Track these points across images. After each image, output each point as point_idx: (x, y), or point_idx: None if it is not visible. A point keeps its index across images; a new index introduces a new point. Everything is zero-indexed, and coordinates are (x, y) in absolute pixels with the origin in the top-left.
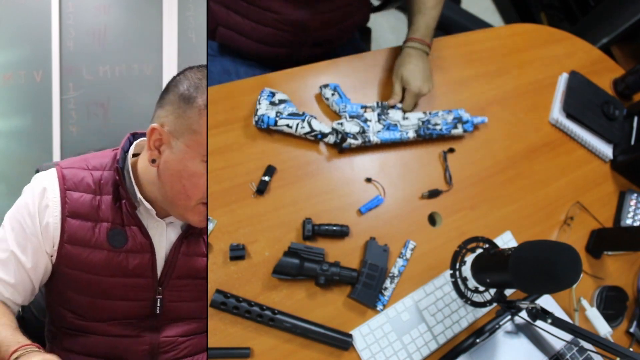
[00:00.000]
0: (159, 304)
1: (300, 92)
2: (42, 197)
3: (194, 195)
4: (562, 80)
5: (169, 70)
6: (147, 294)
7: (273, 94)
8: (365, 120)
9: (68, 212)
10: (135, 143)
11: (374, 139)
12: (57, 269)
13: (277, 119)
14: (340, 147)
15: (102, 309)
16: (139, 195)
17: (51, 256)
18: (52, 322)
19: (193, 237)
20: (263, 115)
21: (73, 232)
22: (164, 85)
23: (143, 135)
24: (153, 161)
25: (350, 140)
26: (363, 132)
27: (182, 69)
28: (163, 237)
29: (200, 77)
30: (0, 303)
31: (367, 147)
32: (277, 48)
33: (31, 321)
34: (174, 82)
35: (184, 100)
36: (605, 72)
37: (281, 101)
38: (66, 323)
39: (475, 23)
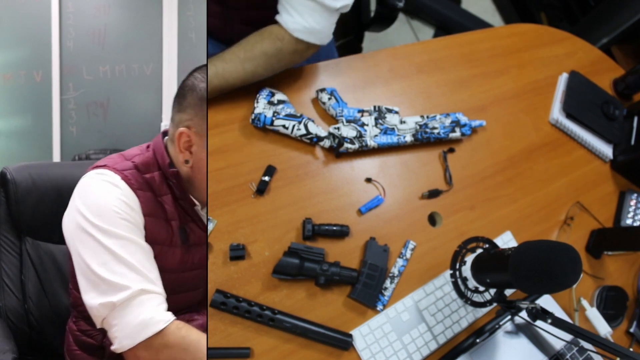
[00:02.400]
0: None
1: (300, 92)
2: (124, 195)
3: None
4: (562, 80)
5: (169, 70)
6: (203, 283)
7: (272, 94)
8: (362, 125)
9: (144, 211)
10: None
11: (371, 143)
12: None
13: (273, 118)
14: (337, 151)
15: (173, 304)
16: (190, 195)
17: None
18: None
19: None
20: (260, 114)
21: (151, 230)
22: (164, 85)
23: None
24: (186, 162)
25: (347, 145)
26: (360, 136)
27: (182, 68)
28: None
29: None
30: (179, 322)
31: (364, 151)
32: (211, 18)
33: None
34: (190, 85)
35: (201, 100)
36: (605, 72)
37: (280, 101)
38: None
39: (475, 23)
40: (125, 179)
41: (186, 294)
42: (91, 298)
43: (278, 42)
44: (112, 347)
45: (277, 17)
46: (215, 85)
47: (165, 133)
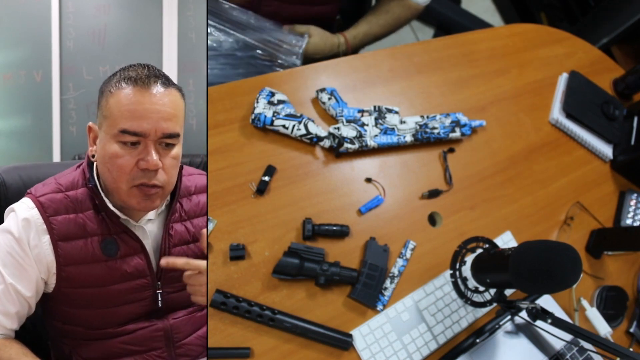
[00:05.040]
0: (159, 298)
1: (300, 92)
2: (28, 228)
3: (118, 177)
4: (562, 80)
5: (169, 70)
6: (148, 292)
7: (272, 94)
8: (362, 125)
9: (57, 236)
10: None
11: (371, 143)
12: (58, 291)
13: (273, 118)
14: (337, 151)
15: (111, 316)
16: (110, 206)
17: (45, 282)
18: (63, 338)
19: (174, 225)
20: (260, 114)
21: (67, 253)
22: None
23: None
24: (93, 156)
25: (347, 145)
26: (360, 136)
27: (182, 68)
28: (146, 234)
29: (117, 72)
30: (6, 340)
31: (364, 151)
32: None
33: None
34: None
35: (100, 93)
36: (605, 72)
37: (280, 101)
38: (79, 336)
39: (475, 23)
40: (40, 207)
41: (121, 307)
42: None
43: (415, 10)
44: None
45: None
46: (369, 41)
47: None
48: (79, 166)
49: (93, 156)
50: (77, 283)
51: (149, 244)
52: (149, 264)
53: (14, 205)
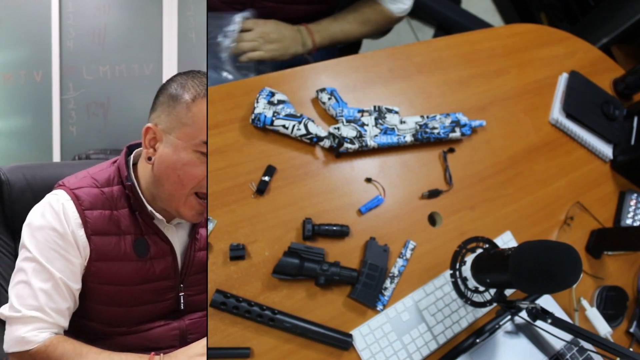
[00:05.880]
0: (182, 300)
1: (300, 93)
2: (67, 219)
3: (188, 184)
4: (562, 80)
5: (169, 70)
6: (171, 294)
7: (272, 94)
8: (362, 125)
9: (91, 230)
10: (133, 153)
11: (371, 143)
12: (84, 286)
13: (273, 118)
14: (337, 151)
15: (132, 315)
16: (148, 207)
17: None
18: (78, 333)
19: (200, 230)
20: (260, 114)
21: (99, 249)
22: None
23: (138, 145)
24: (149, 159)
25: (347, 145)
26: (360, 136)
27: (182, 68)
28: (176, 238)
29: (185, 79)
30: (64, 340)
31: (364, 151)
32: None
33: None
34: (162, 87)
35: (172, 98)
36: (605, 72)
37: (280, 101)
38: (97, 333)
39: (475, 23)
40: (75, 199)
41: (144, 307)
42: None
43: (387, 18)
44: None
45: (382, 3)
46: (338, 39)
47: (130, 147)
48: (113, 162)
49: (149, 159)
50: (104, 279)
51: (177, 246)
52: (175, 267)
53: (49, 199)
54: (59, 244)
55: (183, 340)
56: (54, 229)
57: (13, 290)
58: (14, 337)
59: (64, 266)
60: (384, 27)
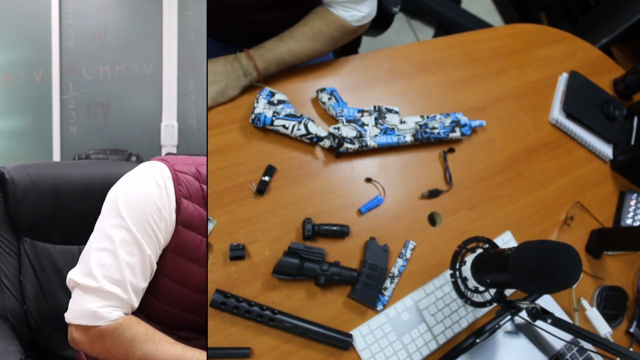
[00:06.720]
0: None
1: (300, 93)
2: (168, 197)
3: None
4: (562, 80)
5: (169, 70)
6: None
7: (272, 94)
8: (362, 125)
9: (181, 220)
10: None
11: (371, 143)
12: None
13: (273, 118)
14: (337, 151)
15: (175, 318)
16: None
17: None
18: None
19: None
20: (260, 114)
21: (181, 242)
22: (164, 85)
23: None
24: None
25: (347, 145)
26: (360, 136)
27: (182, 68)
28: None
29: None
30: (137, 322)
31: (364, 151)
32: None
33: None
34: None
35: None
36: (605, 72)
37: (280, 101)
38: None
39: (475, 23)
40: (176, 181)
41: (192, 315)
42: (75, 268)
43: (342, 28)
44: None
45: (334, 12)
46: (288, 61)
47: None
48: None
49: None
50: (168, 273)
51: None
52: None
53: (152, 171)
54: (156, 220)
55: None
56: (156, 204)
57: (94, 255)
58: (85, 309)
59: (152, 244)
60: (342, 40)
